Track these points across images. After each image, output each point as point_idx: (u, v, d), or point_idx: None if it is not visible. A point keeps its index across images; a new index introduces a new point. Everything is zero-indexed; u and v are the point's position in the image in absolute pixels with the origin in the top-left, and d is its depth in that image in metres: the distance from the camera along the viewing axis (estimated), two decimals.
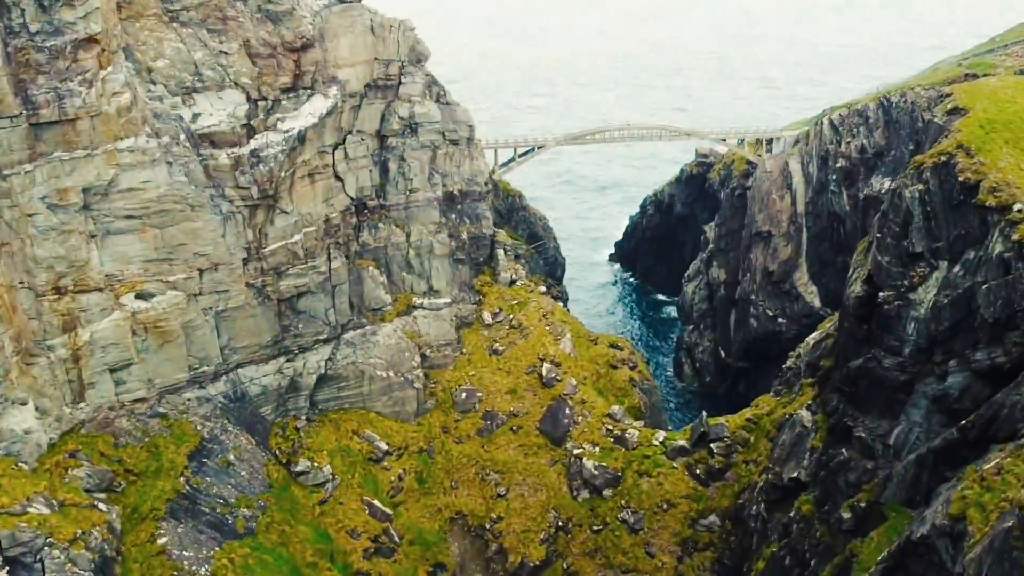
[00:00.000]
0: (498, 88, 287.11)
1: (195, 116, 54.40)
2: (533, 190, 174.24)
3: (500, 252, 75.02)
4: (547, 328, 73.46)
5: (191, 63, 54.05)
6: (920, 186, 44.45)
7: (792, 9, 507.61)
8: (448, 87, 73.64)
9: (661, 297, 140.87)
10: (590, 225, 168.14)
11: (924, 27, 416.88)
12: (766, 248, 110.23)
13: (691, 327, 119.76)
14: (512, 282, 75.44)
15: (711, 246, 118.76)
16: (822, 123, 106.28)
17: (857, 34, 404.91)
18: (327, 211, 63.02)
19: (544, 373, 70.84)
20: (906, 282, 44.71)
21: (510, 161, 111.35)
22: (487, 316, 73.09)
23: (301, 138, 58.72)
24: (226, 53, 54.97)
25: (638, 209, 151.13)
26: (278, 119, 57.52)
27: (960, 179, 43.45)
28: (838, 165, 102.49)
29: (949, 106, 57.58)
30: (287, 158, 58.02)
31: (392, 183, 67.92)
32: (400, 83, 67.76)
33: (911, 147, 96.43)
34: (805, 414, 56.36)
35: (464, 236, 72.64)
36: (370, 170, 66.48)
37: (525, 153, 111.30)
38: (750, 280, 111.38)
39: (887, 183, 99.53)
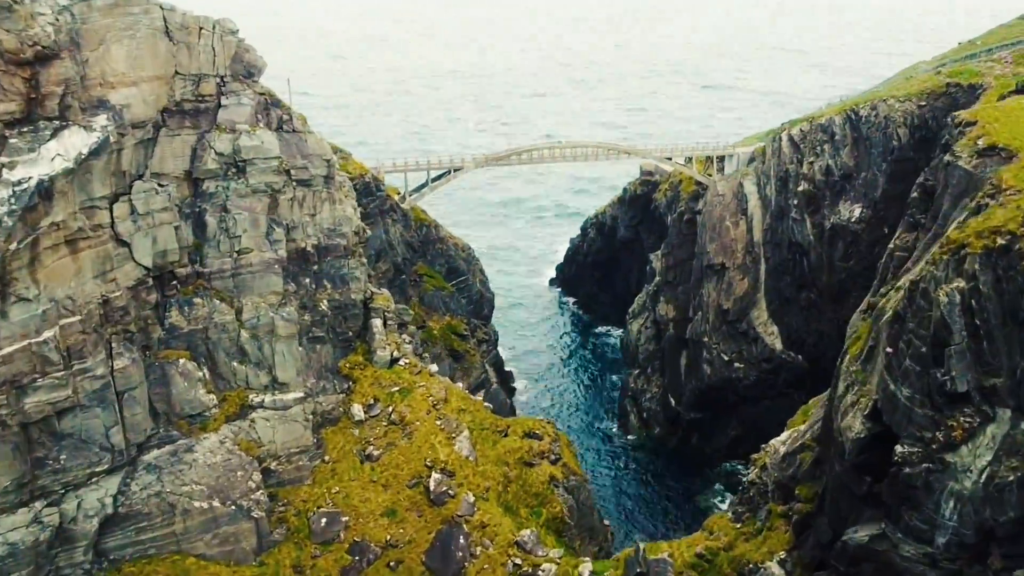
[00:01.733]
0: (429, 102, 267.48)
1: None
2: (459, 215, 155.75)
3: (376, 322, 55.64)
4: (438, 423, 54.31)
5: None
6: (963, 283, 26.56)
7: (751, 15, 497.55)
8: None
9: (604, 329, 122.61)
10: (529, 249, 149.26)
11: (881, 33, 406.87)
12: (719, 282, 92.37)
13: (636, 371, 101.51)
14: (393, 361, 56.08)
15: (657, 278, 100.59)
16: (780, 139, 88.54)
17: (810, 38, 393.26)
18: (104, 290, 43.07)
19: (432, 486, 51.75)
20: (940, 435, 26.92)
21: (423, 186, 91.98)
22: (358, 410, 53.73)
23: (44, 192, 38.83)
24: None
25: (579, 231, 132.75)
26: (1, 166, 37.55)
27: None
28: (800, 188, 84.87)
29: (979, 142, 39.20)
30: (21, 222, 38.17)
31: (212, 242, 48.18)
32: (220, 106, 48.13)
33: (885, 169, 79.25)
34: (777, 571, 38.39)
35: (324, 306, 53.13)
36: (177, 227, 46.65)
37: (440, 177, 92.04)
38: (702, 319, 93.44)
39: (857, 210, 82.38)
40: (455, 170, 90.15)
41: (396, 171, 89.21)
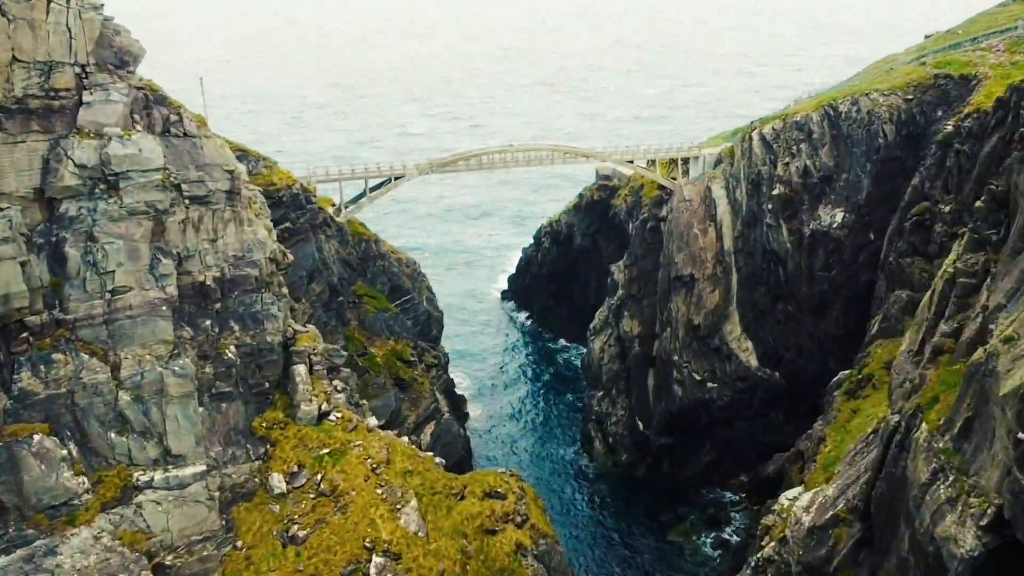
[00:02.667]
0: (384, 103, 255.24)
1: None
2: (403, 227, 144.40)
3: (300, 369, 44.63)
4: (379, 492, 43.65)
5: None
6: None
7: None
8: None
9: (561, 345, 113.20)
10: (478, 259, 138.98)
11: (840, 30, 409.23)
12: (688, 295, 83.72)
13: (600, 393, 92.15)
14: (322, 416, 45.12)
15: (620, 292, 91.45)
16: (751, 139, 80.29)
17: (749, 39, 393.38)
18: None
19: (374, 573, 41.16)
20: None
21: (360, 197, 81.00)
22: (278, 481, 42.70)
23: None
24: None
25: (531, 240, 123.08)
26: None
27: None
28: (774, 192, 76.66)
29: None
30: None
31: (75, 281, 36.67)
32: (81, 104, 36.71)
33: (870, 169, 71.60)
34: None
35: (231, 353, 41.95)
36: (24, 263, 35.08)
37: (379, 186, 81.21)
38: (670, 335, 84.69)
39: (839, 215, 74.63)
40: (396, 178, 79.45)
41: (330, 180, 78.11)
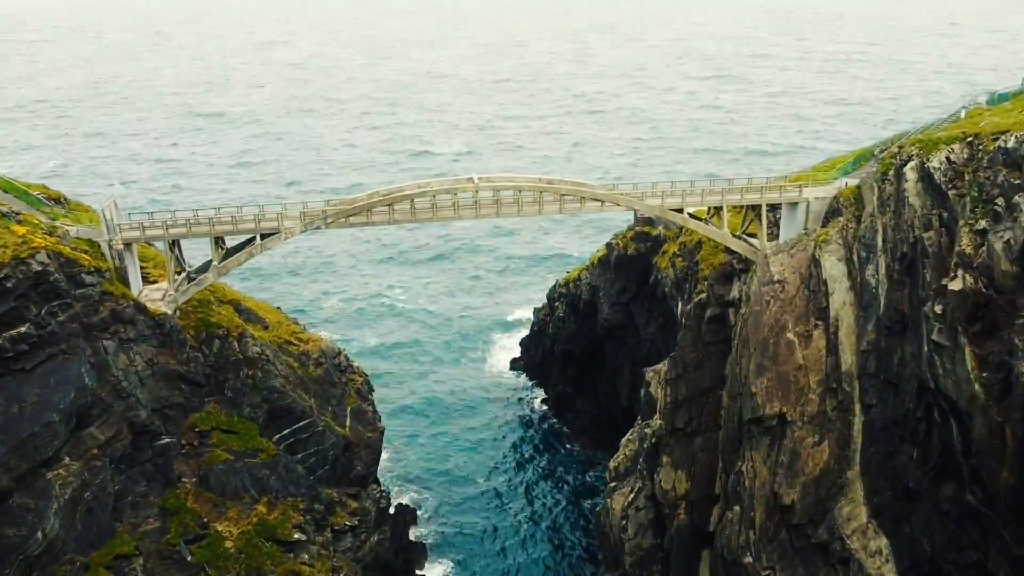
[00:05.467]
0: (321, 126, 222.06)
1: None
2: (375, 257, 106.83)
3: None
4: None
5: None
6: None
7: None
8: None
9: (585, 454, 77.59)
10: (481, 313, 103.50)
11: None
12: (774, 449, 47.17)
13: None
14: None
15: (658, 421, 55.06)
16: (900, 175, 43.23)
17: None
18: None
19: None
20: None
21: (204, 268, 47.20)
22: None
23: None
24: None
25: (544, 300, 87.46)
26: None
27: None
28: (952, 284, 39.38)
29: None
30: None
31: None
32: None
33: None
34: None
35: None
36: None
37: (242, 247, 47.43)
38: (741, 515, 48.23)
39: None
40: (263, 236, 45.58)
41: (154, 232, 45.00)
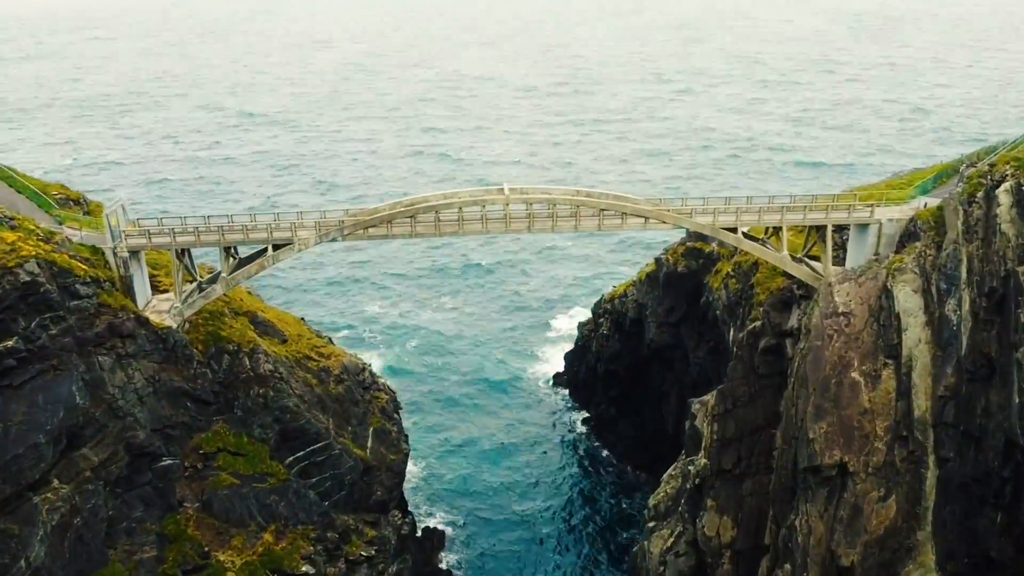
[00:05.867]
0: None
1: None
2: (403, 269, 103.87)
3: None
4: None
5: None
6: None
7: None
8: None
9: (627, 478, 72.68)
10: (512, 334, 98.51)
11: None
12: (833, 501, 41.65)
13: None
14: None
15: (703, 460, 49.91)
16: (990, 196, 37.27)
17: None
18: None
19: None
20: None
21: (213, 280, 44.32)
22: None
23: None
24: None
25: (589, 313, 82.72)
26: None
27: None
28: None
29: None
30: None
31: None
32: None
33: None
34: None
35: None
36: None
37: (252, 259, 44.40)
38: (792, 575, 42.73)
39: None
40: (275, 247, 42.44)
41: (161, 239, 42.42)
